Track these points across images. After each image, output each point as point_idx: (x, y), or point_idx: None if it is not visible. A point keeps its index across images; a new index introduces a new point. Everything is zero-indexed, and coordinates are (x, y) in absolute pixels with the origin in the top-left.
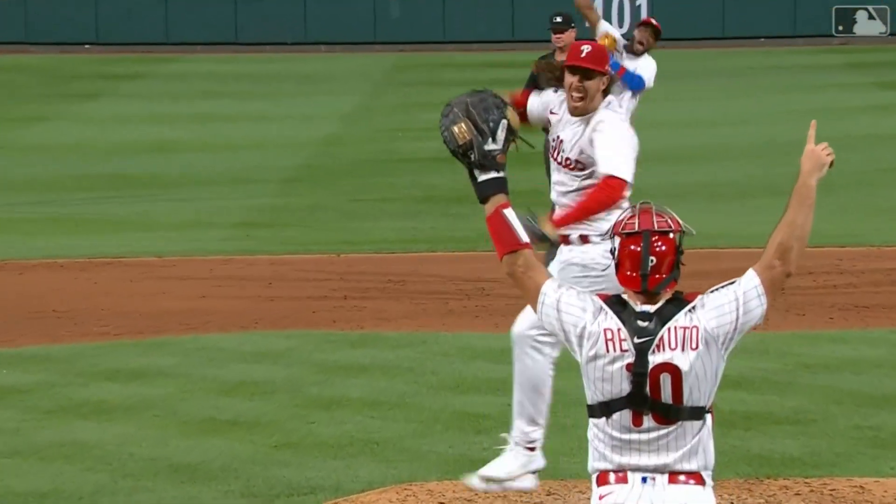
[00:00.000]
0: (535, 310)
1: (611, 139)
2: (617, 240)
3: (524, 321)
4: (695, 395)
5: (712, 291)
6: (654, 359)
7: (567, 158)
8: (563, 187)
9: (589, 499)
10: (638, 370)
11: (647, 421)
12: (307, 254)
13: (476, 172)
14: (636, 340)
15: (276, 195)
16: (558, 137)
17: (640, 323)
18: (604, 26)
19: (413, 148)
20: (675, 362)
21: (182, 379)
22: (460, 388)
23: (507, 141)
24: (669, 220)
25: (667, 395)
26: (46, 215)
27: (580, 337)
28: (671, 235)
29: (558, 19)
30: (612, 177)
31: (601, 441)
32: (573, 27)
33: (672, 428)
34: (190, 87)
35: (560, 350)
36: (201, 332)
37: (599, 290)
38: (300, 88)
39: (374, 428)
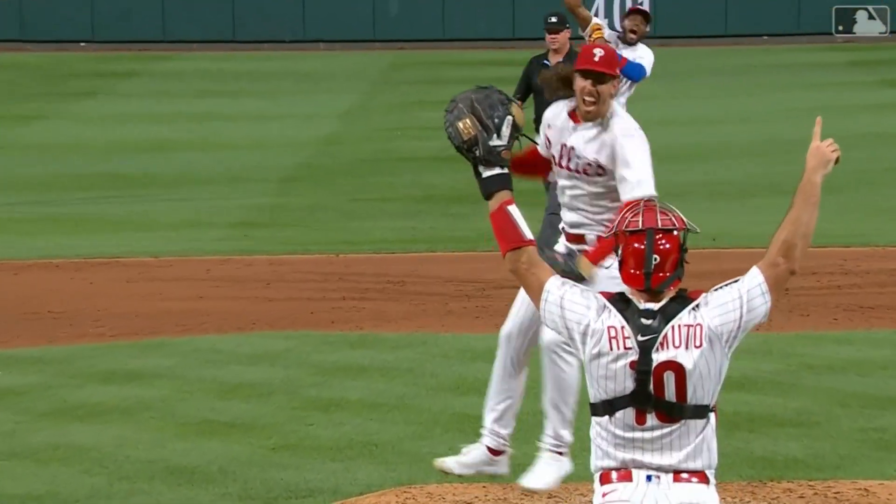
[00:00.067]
0: (537, 306)
1: (632, 158)
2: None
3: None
4: (698, 393)
5: (716, 289)
6: (658, 357)
7: (587, 164)
8: (576, 191)
9: (591, 501)
10: (641, 368)
11: (651, 419)
12: (305, 254)
13: (480, 168)
14: (640, 338)
15: (274, 195)
16: (565, 146)
17: (643, 321)
18: (595, 22)
19: (413, 147)
20: (679, 360)
21: (179, 380)
22: (460, 390)
23: (511, 137)
24: (674, 218)
25: (670, 393)
26: (42, 214)
27: (583, 335)
28: (675, 233)
29: (553, 19)
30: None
31: (604, 439)
32: (568, 27)
33: (675, 426)
34: (187, 86)
35: None
36: (198, 334)
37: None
38: (299, 87)
39: (373, 430)
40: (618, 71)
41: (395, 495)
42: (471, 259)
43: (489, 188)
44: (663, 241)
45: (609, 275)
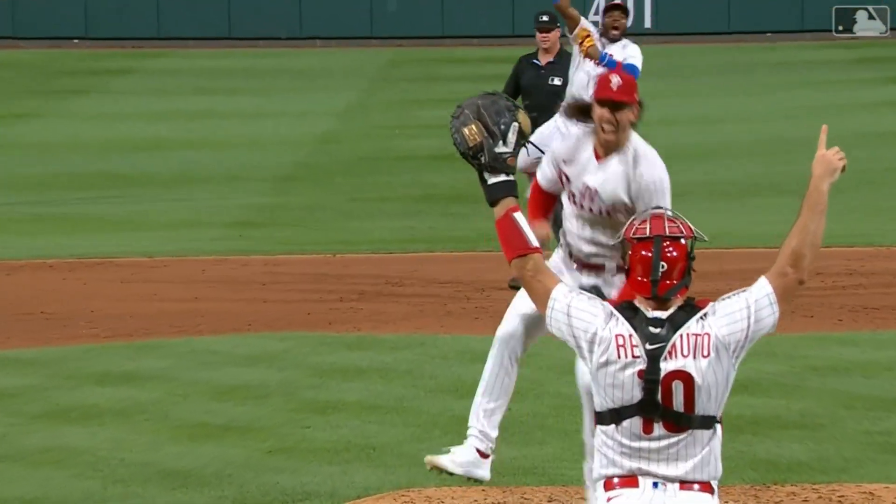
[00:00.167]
0: (543, 314)
1: (659, 199)
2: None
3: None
4: (706, 403)
5: (724, 299)
6: (666, 366)
7: (611, 206)
8: (595, 224)
9: None
10: (650, 377)
11: (658, 429)
12: (302, 254)
13: (486, 175)
14: (648, 347)
15: (270, 194)
16: (588, 188)
17: (651, 329)
18: (583, 23)
19: (411, 146)
20: (688, 370)
21: (174, 382)
22: (459, 392)
23: (517, 144)
24: (681, 226)
25: (678, 402)
26: (35, 214)
27: (591, 343)
28: (683, 241)
29: (545, 18)
30: None
31: (610, 448)
32: (559, 26)
33: (682, 436)
34: (182, 83)
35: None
36: (194, 335)
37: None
38: (295, 84)
39: (370, 432)
40: (636, 97)
41: (394, 499)
42: (470, 259)
43: (494, 195)
44: (671, 249)
45: None
